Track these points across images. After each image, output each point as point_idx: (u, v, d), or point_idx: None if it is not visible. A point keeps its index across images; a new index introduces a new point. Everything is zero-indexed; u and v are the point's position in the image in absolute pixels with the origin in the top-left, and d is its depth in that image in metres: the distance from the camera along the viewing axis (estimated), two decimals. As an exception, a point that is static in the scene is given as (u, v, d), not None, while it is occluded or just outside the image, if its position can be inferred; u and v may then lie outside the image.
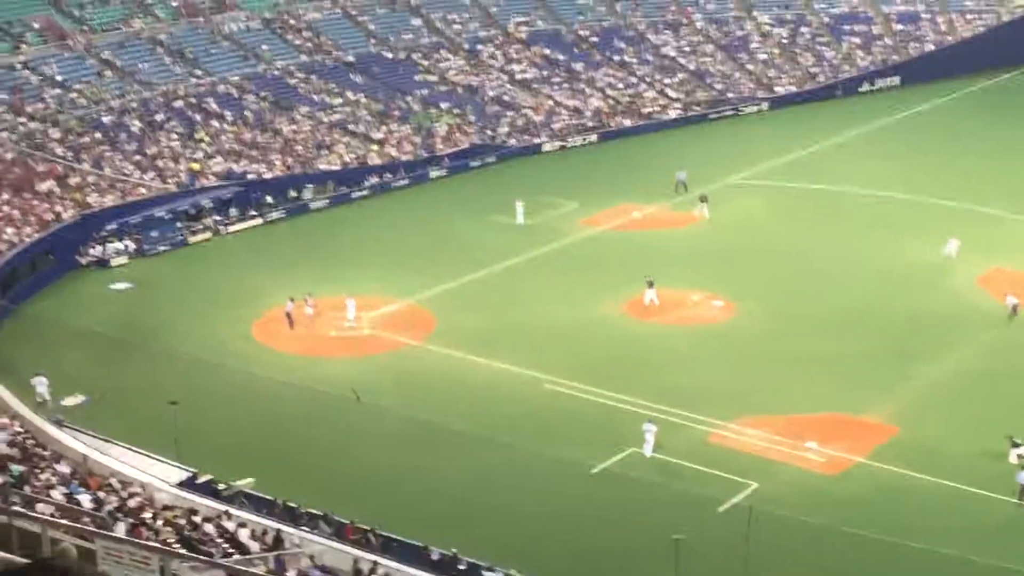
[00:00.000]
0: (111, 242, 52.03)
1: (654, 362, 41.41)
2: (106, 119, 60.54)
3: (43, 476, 30.59)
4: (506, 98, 71.93)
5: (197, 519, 29.78)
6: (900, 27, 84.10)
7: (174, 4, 71.42)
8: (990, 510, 32.33)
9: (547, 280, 49.14)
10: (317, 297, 45.61)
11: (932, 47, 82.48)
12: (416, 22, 76.86)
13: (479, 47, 76.28)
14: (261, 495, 32.88)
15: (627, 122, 71.67)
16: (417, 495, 33.74)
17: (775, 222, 55.26)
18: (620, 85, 75.16)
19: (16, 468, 30.82)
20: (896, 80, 79.29)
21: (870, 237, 52.08)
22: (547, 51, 77.11)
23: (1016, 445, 33.84)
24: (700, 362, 41.47)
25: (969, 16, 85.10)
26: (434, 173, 63.35)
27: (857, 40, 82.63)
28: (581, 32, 79.66)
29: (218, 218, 55.83)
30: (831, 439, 35.67)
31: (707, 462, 34.82)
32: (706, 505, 32.60)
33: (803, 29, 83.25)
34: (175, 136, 60.76)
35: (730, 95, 76.08)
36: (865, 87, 78.60)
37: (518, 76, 74.42)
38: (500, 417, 37.92)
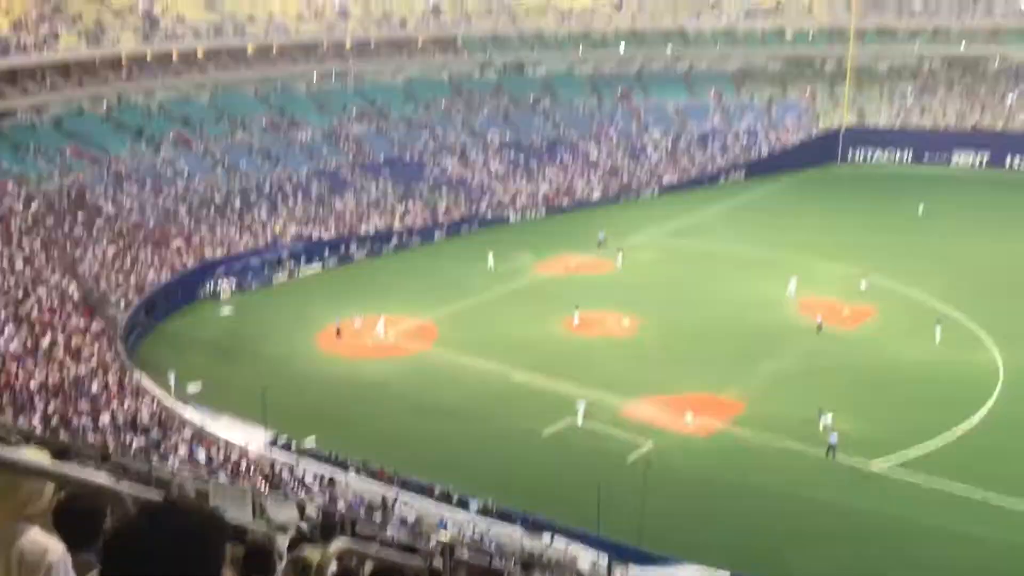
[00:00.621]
0: (220, 281, 51.72)
1: (584, 361, 41.47)
2: (217, 198, 60.26)
3: (173, 438, 30.40)
4: (485, 185, 71.99)
5: (277, 468, 29.57)
6: (745, 138, 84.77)
7: (263, 122, 71.35)
8: (807, 460, 32.48)
9: (512, 306, 49.22)
10: (365, 317, 45.61)
11: (767, 152, 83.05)
12: (425, 134, 77.03)
13: (467, 151, 76.41)
14: (320, 450, 32.70)
15: (565, 201, 71.79)
16: (424, 449, 33.65)
17: (666, 268, 55.59)
18: (560, 176, 75.37)
19: (155, 433, 30.62)
20: (743, 174, 79.74)
21: (729, 278, 52.43)
22: (512, 154, 77.31)
23: (822, 413, 34.05)
24: (615, 360, 41.60)
25: (791, 132, 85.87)
26: (437, 235, 63.27)
27: (717, 147, 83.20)
28: (535, 142, 79.95)
29: (293, 265, 55.55)
30: (701, 411, 35.82)
31: (619, 428, 34.86)
32: (619, 456, 32.62)
33: (681, 139, 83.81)
34: (263, 209, 60.52)
35: (632, 184, 76.34)
36: (722, 179, 78.94)
37: (493, 170, 74.55)
38: (481, 397, 37.89)
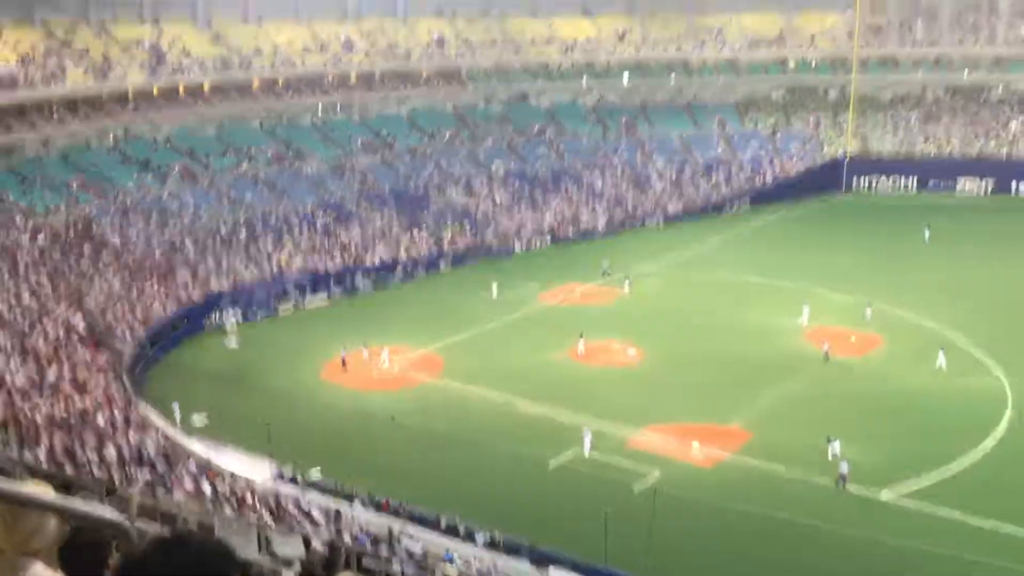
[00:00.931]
0: (225, 313, 51.79)
1: (589, 390, 41.36)
2: (223, 231, 60.50)
3: (179, 471, 30.26)
4: (490, 215, 72.19)
5: (283, 501, 29.41)
6: (749, 167, 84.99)
7: (269, 155, 71.79)
8: (816, 490, 32.25)
9: (517, 336, 49.21)
10: (370, 347, 45.61)
11: (771, 180, 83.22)
12: (430, 166, 77.39)
13: (472, 181, 76.71)
14: (325, 482, 32.55)
15: (570, 231, 71.91)
16: (431, 481, 33.49)
17: (671, 297, 55.56)
18: (565, 207, 75.56)
19: (160, 466, 30.48)
20: (747, 203, 79.80)
21: (733, 306, 52.42)
22: (517, 184, 77.58)
23: (830, 441, 33.87)
24: (620, 390, 41.48)
25: (795, 160, 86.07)
26: (442, 266, 63.36)
27: (722, 176, 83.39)
28: (540, 172, 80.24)
29: (299, 297, 55.63)
30: (708, 441, 35.64)
31: (626, 458, 34.70)
32: (625, 487, 32.44)
33: (686, 168, 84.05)
34: (269, 241, 60.71)
35: (638, 212, 76.48)
36: (727, 208, 79.01)
37: (498, 201, 74.80)
38: (487, 428, 37.77)
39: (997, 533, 28.83)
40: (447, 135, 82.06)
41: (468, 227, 69.37)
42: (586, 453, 34.89)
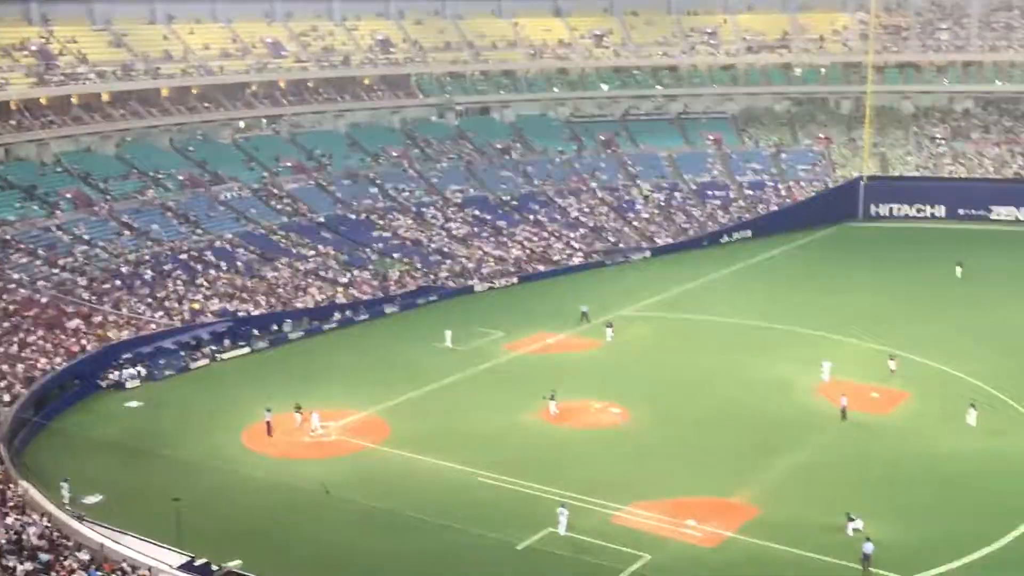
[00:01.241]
0: (126, 368, 51.19)
1: (565, 458, 41.15)
2: (124, 269, 60.01)
3: (67, 562, 29.73)
4: (445, 249, 72.32)
5: (194, 596, 28.94)
6: (750, 192, 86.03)
7: (180, 178, 71.51)
8: (833, 573, 32.18)
9: (479, 393, 48.96)
10: (299, 409, 45.21)
11: (775, 207, 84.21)
12: (373, 190, 77.50)
13: (423, 209, 76.88)
14: (246, 574, 32.01)
15: (541, 267, 72.16)
16: (374, 569, 33.05)
17: (660, 345, 55.70)
18: (534, 238, 75.88)
19: (44, 556, 29.92)
20: (748, 233, 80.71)
21: (732, 355, 52.68)
22: (477, 212, 77.87)
23: (851, 519, 33.92)
24: (602, 457, 41.31)
25: (803, 183, 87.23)
26: (388, 309, 63.22)
27: (718, 202, 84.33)
28: (504, 197, 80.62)
29: (214, 348, 55.17)
30: (707, 518, 35.50)
31: (609, 539, 34.47)
32: (610, 572, 32.19)
33: (676, 194, 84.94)
34: (180, 282, 60.28)
35: (621, 245, 77.00)
36: (725, 239, 79.83)
37: (454, 232, 74.99)
38: (443, 505, 37.40)
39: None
40: (393, 155, 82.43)
41: (418, 264, 69.37)
42: (561, 532, 34.64)
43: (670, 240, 78.50)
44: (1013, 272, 68.10)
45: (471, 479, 39.30)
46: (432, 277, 68.12)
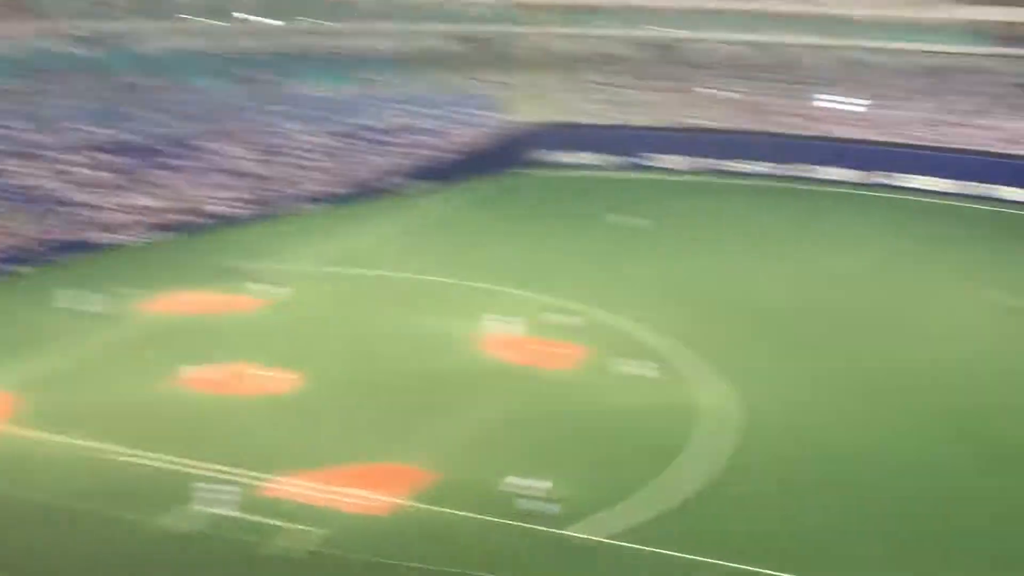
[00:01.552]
0: None
1: (217, 429, 39.91)
2: None
3: None
4: (67, 198, 68.14)
5: None
6: (417, 137, 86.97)
7: None
8: (507, 533, 33.21)
9: (118, 361, 46.82)
10: None
11: (443, 153, 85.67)
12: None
13: (41, 151, 72.25)
14: None
15: (189, 218, 69.91)
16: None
17: (329, 303, 55.53)
18: (178, 186, 73.19)
19: None
20: (415, 182, 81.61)
21: (405, 312, 53.28)
22: (107, 156, 74.07)
23: (516, 478, 35.09)
24: (260, 427, 40.16)
25: (472, 127, 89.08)
26: None
27: (384, 147, 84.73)
28: (142, 140, 77.19)
29: None
30: (380, 484, 35.55)
31: (267, 514, 33.85)
32: (264, 548, 31.68)
33: (340, 138, 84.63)
34: None
35: (277, 195, 75.89)
36: (391, 188, 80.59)
37: (78, 178, 70.97)
38: (79, 488, 35.47)
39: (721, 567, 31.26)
40: (3, 88, 76.95)
41: (34, 215, 65.06)
42: (211, 509, 33.71)
43: (333, 189, 78.05)
44: (691, 220, 73.31)
45: (108, 458, 37.51)
46: (52, 231, 64.06)
